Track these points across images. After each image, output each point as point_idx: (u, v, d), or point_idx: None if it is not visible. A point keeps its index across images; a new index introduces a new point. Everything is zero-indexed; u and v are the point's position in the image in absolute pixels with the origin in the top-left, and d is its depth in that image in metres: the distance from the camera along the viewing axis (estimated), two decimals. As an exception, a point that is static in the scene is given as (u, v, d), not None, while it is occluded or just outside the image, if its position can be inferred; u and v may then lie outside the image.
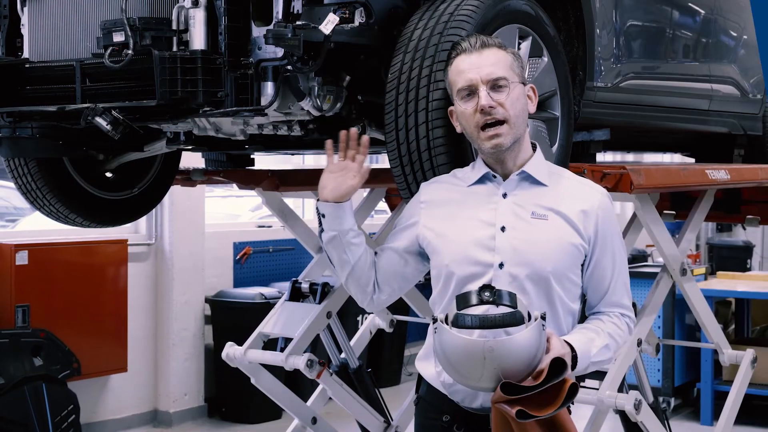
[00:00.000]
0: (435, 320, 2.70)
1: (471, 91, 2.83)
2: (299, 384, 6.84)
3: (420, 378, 3.08)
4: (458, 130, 2.95)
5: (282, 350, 4.89)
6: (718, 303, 8.85)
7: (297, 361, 4.81)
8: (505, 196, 2.88)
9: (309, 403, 5.45)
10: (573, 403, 2.76)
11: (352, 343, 5.74)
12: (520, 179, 2.90)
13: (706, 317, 5.31)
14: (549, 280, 2.83)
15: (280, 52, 3.21)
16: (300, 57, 3.15)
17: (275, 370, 5.00)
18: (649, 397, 5.32)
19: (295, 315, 5.06)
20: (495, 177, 2.91)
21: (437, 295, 2.95)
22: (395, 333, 8.92)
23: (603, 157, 9.13)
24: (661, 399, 8.17)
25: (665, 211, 5.92)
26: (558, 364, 2.66)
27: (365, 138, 3.00)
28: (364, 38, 3.35)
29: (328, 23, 3.13)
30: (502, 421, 2.67)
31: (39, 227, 7.23)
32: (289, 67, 3.22)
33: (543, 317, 2.64)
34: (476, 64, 2.83)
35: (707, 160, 5.89)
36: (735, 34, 5.54)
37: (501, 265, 2.81)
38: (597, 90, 4.08)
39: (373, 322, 6.12)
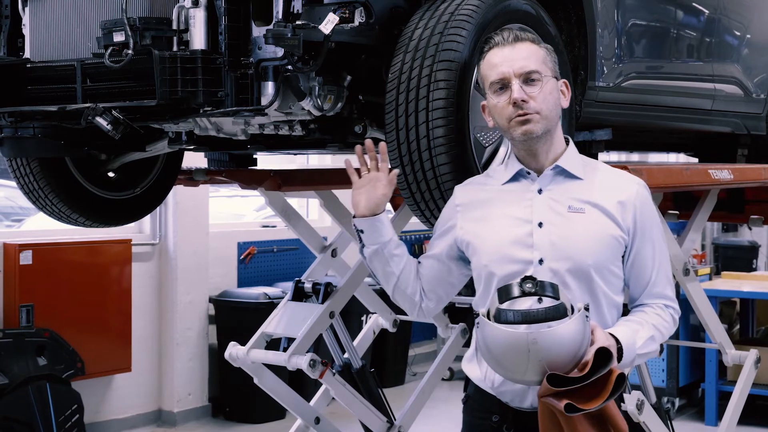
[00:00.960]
0: (477, 315, 2.68)
1: (503, 85, 2.82)
2: (303, 384, 6.84)
3: (467, 378, 3.06)
4: (490, 124, 2.93)
5: (285, 350, 4.89)
6: (723, 303, 8.83)
7: (299, 361, 4.80)
8: (540, 191, 2.87)
9: (312, 403, 5.45)
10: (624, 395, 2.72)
11: (355, 343, 5.73)
12: (555, 174, 2.88)
13: (710, 317, 5.31)
14: (590, 274, 2.81)
15: (280, 51, 3.21)
16: (300, 57, 3.15)
17: (279, 370, 4.99)
18: (651, 397, 5.30)
19: (297, 315, 5.06)
20: (529, 173, 2.90)
21: (479, 297, 2.94)
22: (399, 333, 8.90)
23: (608, 157, 9.15)
24: (665, 399, 8.17)
25: (669, 211, 5.91)
26: (603, 355, 2.62)
27: (383, 145, 3.00)
28: (365, 38, 3.35)
29: (328, 23, 3.13)
30: (550, 417, 2.64)
31: (44, 227, 7.24)
32: (289, 67, 3.22)
33: (586, 308, 2.62)
34: (509, 58, 2.81)
35: (710, 159, 5.88)
36: (738, 34, 5.52)
37: (541, 261, 2.80)
38: (599, 90, 4.07)
39: (377, 322, 6.11)
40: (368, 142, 2.99)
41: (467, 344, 6.52)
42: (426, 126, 3.20)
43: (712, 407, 8.03)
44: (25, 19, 3.75)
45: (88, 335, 7.06)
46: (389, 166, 3.00)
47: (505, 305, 2.65)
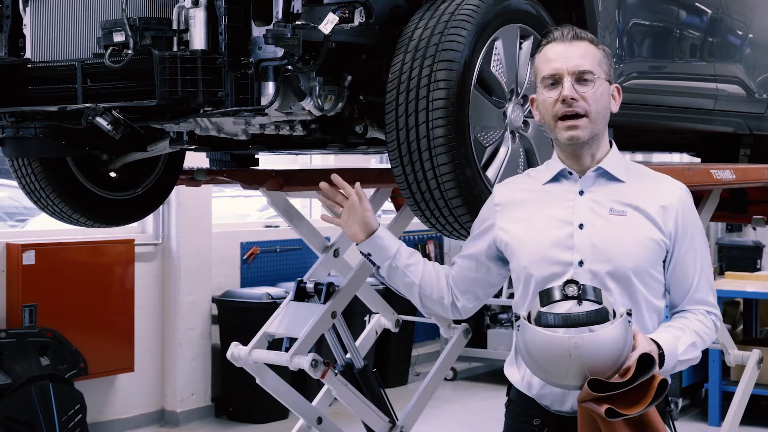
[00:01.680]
0: (518, 318, 2.66)
1: (555, 81, 2.79)
2: (306, 384, 6.83)
3: (510, 382, 3.04)
4: (537, 119, 2.91)
5: (287, 350, 4.88)
6: (727, 303, 8.81)
7: (301, 361, 4.80)
8: (581, 193, 2.85)
9: (314, 403, 5.45)
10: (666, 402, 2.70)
11: (357, 343, 5.72)
12: (597, 176, 2.86)
13: (712, 317, 5.29)
14: (630, 277, 2.78)
15: (280, 51, 3.20)
16: (300, 57, 3.15)
17: (281, 370, 4.99)
18: (654, 397, 5.29)
19: (299, 315, 5.05)
20: (571, 174, 2.87)
21: (519, 299, 2.92)
22: (403, 333, 8.92)
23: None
24: (669, 399, 8.15)
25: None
26: (645, 361, 2.59)
27: (334, 175, 3.01)
28: (365, 38, 3.35)
29: (328, 23, 3.12)
30: (589, 421, 2.62)
31: (48, 227, 7.24)
32: (289, 67, 3.21)
33: (629, 313, 2.59)
34: (565, 54, 2.79)
35: (713, 160, 5.86)
36: (741, 33, 5.51)
37: (581, 263, 2.77)
38: (600, 89, 4.06)
39: (379, 322, 6.10)
40: (322, 184, 3.01)
41: (470, 344, 6.54)
42: (426, 126, 3.19)
43: (715, 407, 8.01)
44: (26, 20, 3.74)
45: (91, 335, 7.07)
46: (350, 189, 3.00)
47: (545, 308, 2.63)
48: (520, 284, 2.89)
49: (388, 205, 6.48)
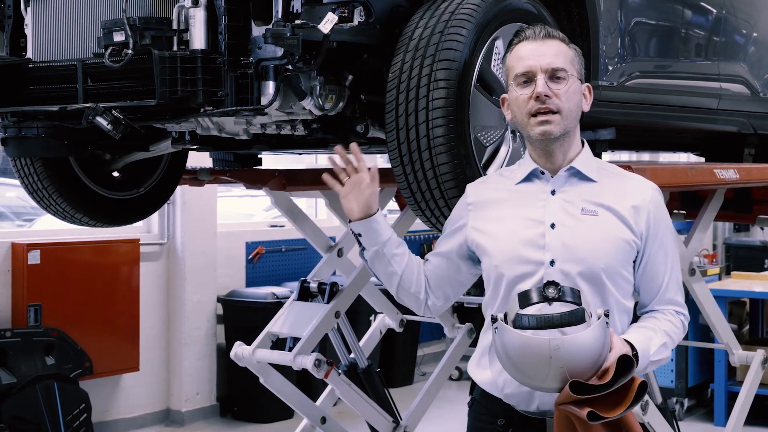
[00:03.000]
0: (495, 320, 2.65)
1: (528, 78, 2.79)
2: (311, 384, 6.84)
3: (473, 381, 3.03)
4: (508, 118, 2.91)
5: (290, 350, 4.88)
6: (733, 303, 8.78)
7: (305, 360, 4.80)
8: (553, 193, 2.85)
9: (318, 402, 5.45)
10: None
11: (361, 343, 5.73)
12: (569, 175, 2.86)
13: (716, 317, 5.28)
14: (601, 277, 2.78)
15: (280, 51, 3.20)
16: (300, 56, 3.14)
17: (286, 370, 4.99)
18: (657, 397, 5.28)
19: (303, 315, 5.05)
20: (543, 173, 2.88)
21: (489, 298, 2.91)
22: (408, 333, 8.94)
23: (619, 156, 9.13)
24: (674, 400, 8.14)
25: (675, 211, 5.89)
26: (624, 363, 2.60)
27: (353, 146, 2.98)
28: (365, 37, 3.34)
29: (327, 22, 3.12)
30: (566, 424, 2.61)
31: (54, 227, 7.25)
32: (289, 67, 3.21)
33: (606, 314, 2.59)
34: (537, 52, 2.79)
35: (717, 159, 5.84)
36: (745, 32, 5.49)
37: (552, 263, 2.77)
38: (602, 89, 4.05)
39: (383, 321, 6.10)
40: (337, 147, 2.97)
41: (473, 344, 6.52)
42: (426, 126, 3.19)
43: (721, 408, 7.99)
44: (28, 19, 3.76)
45: (96, 335, 7.08)
46: (367, 166, 2.96)
47: (523, 310, 2.63)
48: (491, 284, 2.89)
49: (392, 204, 6.48)
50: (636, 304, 2.96)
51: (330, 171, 3.01)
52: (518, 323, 2.60)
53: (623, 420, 2.64)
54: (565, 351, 2.54)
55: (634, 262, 2.86)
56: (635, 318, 2.94)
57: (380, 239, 2.95)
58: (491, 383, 2.93)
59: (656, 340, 2.80)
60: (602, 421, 2.56)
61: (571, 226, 2.80)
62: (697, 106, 5.00)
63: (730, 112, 5.30)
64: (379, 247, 2.95)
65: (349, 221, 2.96)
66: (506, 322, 2.63)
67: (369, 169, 2.94)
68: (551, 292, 2.62)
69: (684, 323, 2.94)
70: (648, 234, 2.84)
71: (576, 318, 2.58)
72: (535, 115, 2.78)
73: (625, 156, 9.39)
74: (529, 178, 2.90)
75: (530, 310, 2.62)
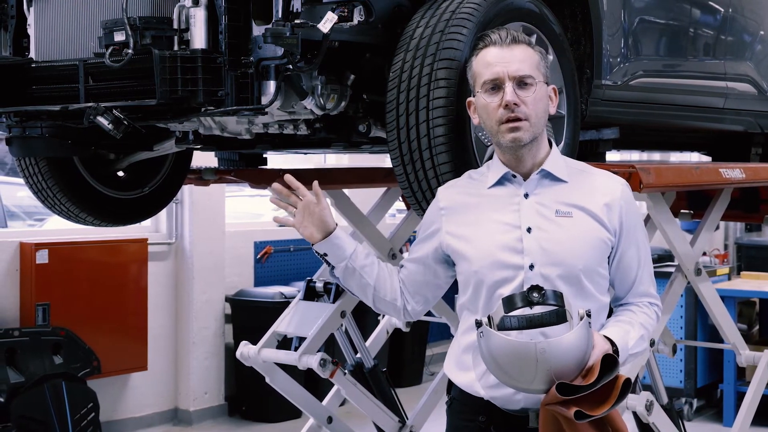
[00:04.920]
0: (479, 325, 2.67)
1: (496, 85, 2.80)
2: (318, 383, 6.83)
3: (451, 380, 3.05)
4: (475, 122, 2.92)
5: (296, 349, 4.89)
6: (743, 303, 8.74)
7: (310, 360, 4.81)
8: (526, 196, 2.86)
9: (324, 402, 5.45)
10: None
11: (368, 342, 5.73)
12: (540, 177, 2.88)
13: (722, 317, 5.26)
14: (580, 278, 2.81)
15: (280, 51, 3.19)
16: (300, 56, 3.14)
17: (294, 370, 5.00)
18: (662, 398, 5.27)
19: (309, 314, 5.06)
20: (515, 177, 2.89)
21: (468, 302, 2.92)
22: (416, 333, 8.94)
23: (630, 156, 9.09)
24: (683, 400, 8.12)
25: (682, 211, 5.88)
26: (608, 361, 2.65)
27: (287, 176, 2.99)
28: (366, 36, 3.34)
29: (327, 22, 3.11)
30: (552, 423, 2.65)
31: (65, 226, 7.27)
32: (289, 66, 3.21)
33: (588, 314, 2.64)
34: (505, 59, 2.80)
35: (724, 159, 5.82)
36: (752, 30, 5.46)
37: (531, 267, 2.79)
38: (605, 88, 4.04)
39: (390, 321, 6.10)
40: (275, 185, 2.99)
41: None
42: (426, 125, 3.19)
43: (730, 408, 7.95)
44: (30, 19, 3.76)
45: (104, 334, 7.09)
46: (303, 188, 2.97)
47: (508, 314, 2.66)
48: (470, 288, 2.90)
49: (399, 204, 6.49)
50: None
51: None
52: (504, 325, 2.64)
53: (609, 417, 2.68)
54: (551, 353, 2.58)
55: (609, 257, 2.90)
56: (610, 311, 2.99)
57: (345, 254, 2.96)
58: (473, 385, 2.93)
59: (633, 333, 2.86)
60: (589, 420, 2.60)
61: (547, 229, 2.82)
62: (702, 106, 4.98)
63: (737, 111, 5.28)
64: (346, 262, 2.96)
65: (312, 245, 2.97)
66: (491, 326, 2.65)
67: (311, 189, 2.96)
68: (535, 296, 2.66)
69: (658, 313, 3.01)
70: (621, 230, 2.88)
71: (558, 317, 2.63)
72: (504, 122, 2.79)
73: (635, 156, 9.34)
74: (500, 182, 2.91)
75: (515, 314, 2.66)
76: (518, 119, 2.78)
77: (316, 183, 2.99)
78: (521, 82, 2.79)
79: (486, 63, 2.83)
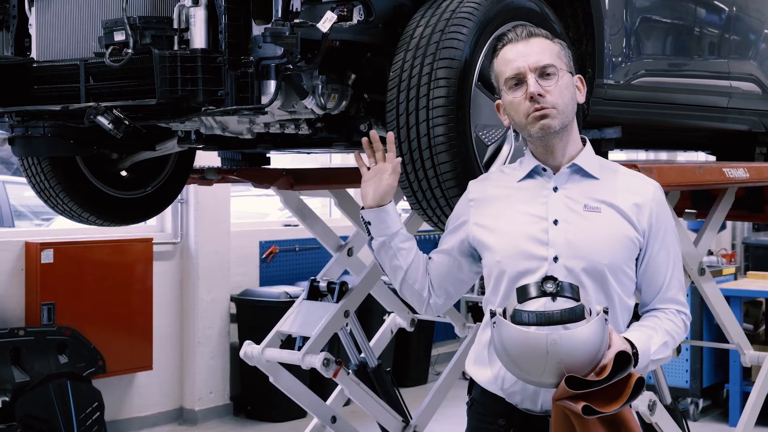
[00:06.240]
0: (493, 315, 2.65)
1: (519, 80, 2.78)
2: (323, 383, 6.83)
3: (472, 380, 3.02)
4: (506, 123, 2.90)
5: (299, 349, 4.89)
6: (749, 303, 8.71)
7: (313, 359, 4.81)
8: (555, 189, 2.84)
9: (329, 402, 5.46)
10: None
11: (372, 342, 5.73)
12: (571, 172, 2.85)
13: (726, 317, 5.25)
14: (605, 274, 2.77)
15: (280, 50, 3.20)
16: (300, 55, 3.14)
17: (298, 370, 5.00)
18: (666, 398, 5.27)
19: (312, 314, 5.07)
20: (545, 170, 2.87)
21: (490, 294, 2.90)
22: (422, 332, 8.93)
23: (636, 156, 9.07)
24: (689, 400, 8.09)
25: (687, 210, 5.86)
26: (622, 359, 2.61)
27: (390, 135, 2.97)
28: (366, 36, 3.34)
29: (326, 21, 3.11)
30: (563, 420, 2.62)
31: (68, 226, 7.28)
32: (289, 66, 3.21)
33: (605, 311, 2.60)
34: (523, 53, 2.78)
35: (729, 158, 5.80)
36: (756, 29, 5.45)
37: (555, 259, 2.76)
38: (607, 87, 4.03)
39: (394, 321, 6.11)
40: (372, 133, 2.96)
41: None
42: (426, 125, 3.18)
43: (736, 409, 7.92)
44: (32, 19, 3.77)
45: (109, 333, 7.10)
46: (396, 156, 2.97)
47: (521, 305, 2.62)
48: (492, 279, 2.88)
49: (404, 204, 6.47)
50: (637, 304, 2.95)
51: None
52: (517, 319, 2.60)
53: (620, 416, 2.64)
54: (563, 346, 2.54)
55: (637, 259, 2.86)
56: (636, 317, 2.93)
57: (388, 231, 2.94)
58: (492, 381, 2.91)
59: (657, 339, 2.79)
60: (598, 416, 2.56)
61: (574, 222, 2.79)
62: (706, 105, 4.97)
63: (741, 110, 5.27)
64: (386, 239, 2.95)
65: (362, 208, 2.96)
66: (505, 317, 2.62)
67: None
68: (549, 287, 2.62)
69: (686, 323, 2.93)
70: (650, 232, 2.83)
71: (576, 315, 2.57)
72: (532, 113, 2.77)
73: (642, 155, 9.33)
74: (530, 175, 2.89)
75: (529, 306, 2.61)
76: (545, 108, 2.76)
77: (399, 159, 2.98)
78: (543, 73, 2.77)
79: (506, 61, 2.81)
